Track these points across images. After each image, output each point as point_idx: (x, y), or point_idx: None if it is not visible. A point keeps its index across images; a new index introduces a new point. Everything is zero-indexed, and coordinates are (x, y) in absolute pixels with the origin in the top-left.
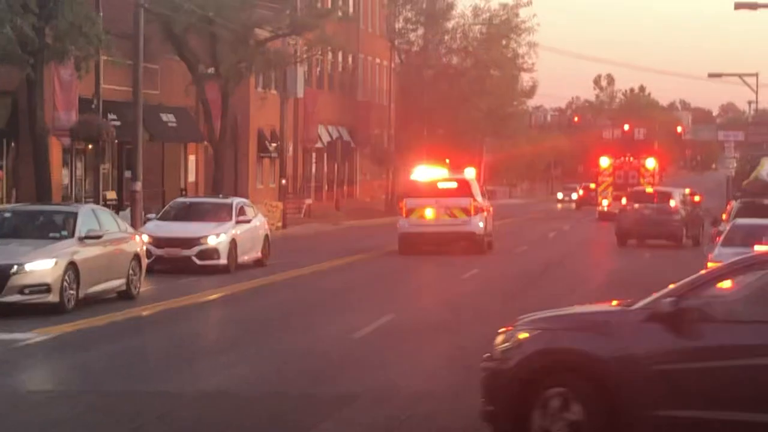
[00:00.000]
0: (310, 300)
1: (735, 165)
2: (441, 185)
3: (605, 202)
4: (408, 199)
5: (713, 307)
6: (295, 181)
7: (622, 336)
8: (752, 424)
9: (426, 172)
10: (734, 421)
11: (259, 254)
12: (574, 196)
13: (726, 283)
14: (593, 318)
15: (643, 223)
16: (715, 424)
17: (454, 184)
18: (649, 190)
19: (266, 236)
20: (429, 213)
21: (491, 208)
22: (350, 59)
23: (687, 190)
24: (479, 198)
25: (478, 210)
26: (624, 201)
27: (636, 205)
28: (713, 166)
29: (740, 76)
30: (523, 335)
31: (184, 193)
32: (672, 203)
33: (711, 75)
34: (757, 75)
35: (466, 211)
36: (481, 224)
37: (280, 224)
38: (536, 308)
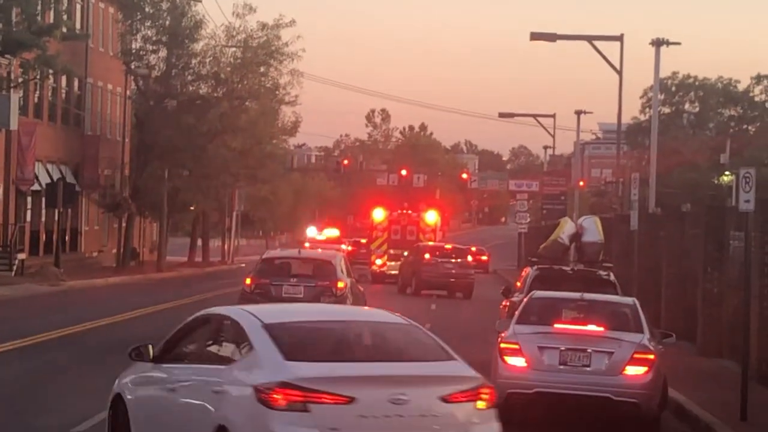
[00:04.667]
0: (17, 385)
1: (528, 220)
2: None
3: (379, 261)
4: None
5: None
6: (6, 231)
7: None
8: None
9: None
10: None
11: None
12: None
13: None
14: None
15: (442, 275)
16: None
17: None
18: (448, 246)
19: None
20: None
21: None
22: (76, 84)
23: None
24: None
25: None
26: (427, 255)
27: (438, 260)
28: (503, 219)
29: (535, 116)
30: None
31: None
32: (469, 259)
33: (502, 115)
34: (554, 116)
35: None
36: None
37: None
38: None
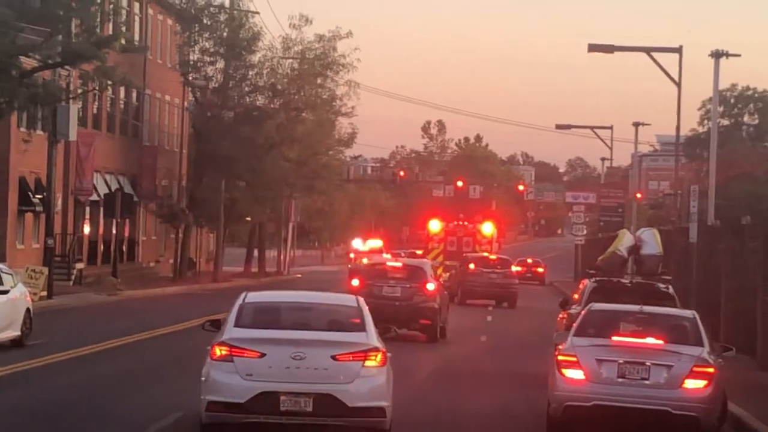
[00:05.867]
0: (80, 392)
1: (585, 232)
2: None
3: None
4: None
5: None
6: (65, 241)
7: None
8: None
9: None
10: None
11: (18, 332)
12: None
13: None
14: None
15: (486, 285)
16: None
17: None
18: (493, 257)
19: (27, 310)
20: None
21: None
22: (135, 96)
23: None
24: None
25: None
26: (472, 266)
27: (482, 270)
28: (559, 231)
29: (592, 128)
30: None
31: None
32: (513, 269)
33: (559, 126)
34: (611, 128)
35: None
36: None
37: (44, 293)
38: None
